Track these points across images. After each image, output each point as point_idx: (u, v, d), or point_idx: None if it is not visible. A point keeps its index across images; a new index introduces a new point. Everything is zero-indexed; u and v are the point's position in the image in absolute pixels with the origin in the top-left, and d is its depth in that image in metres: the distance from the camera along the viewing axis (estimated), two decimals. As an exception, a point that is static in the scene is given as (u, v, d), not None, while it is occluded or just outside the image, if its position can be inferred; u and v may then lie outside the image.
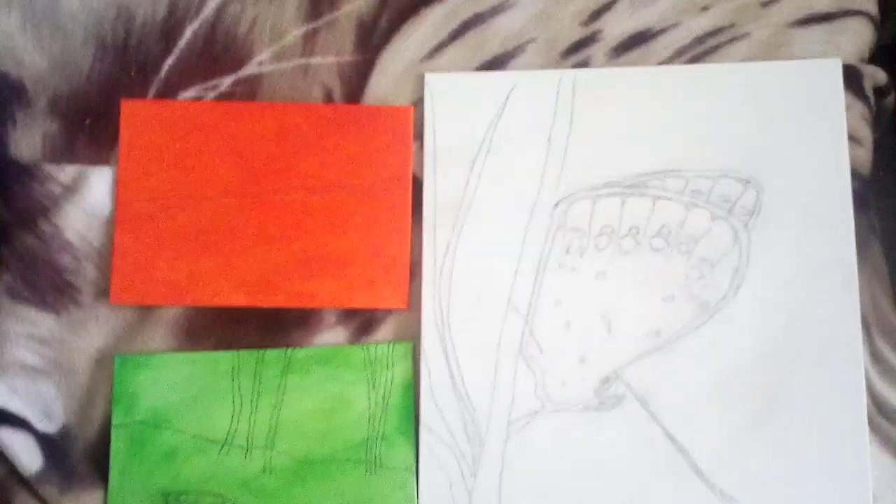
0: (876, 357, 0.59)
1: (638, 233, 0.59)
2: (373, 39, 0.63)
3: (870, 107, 0.60)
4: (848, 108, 0.59)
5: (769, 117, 0.59)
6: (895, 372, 0.59)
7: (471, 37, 0.63)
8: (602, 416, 0.57)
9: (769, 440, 0.57)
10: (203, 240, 0.60)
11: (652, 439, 0.57)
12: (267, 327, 0.60)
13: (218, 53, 0.63)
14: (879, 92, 0.61)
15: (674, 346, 0.58)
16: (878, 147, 0.61)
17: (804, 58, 0.60)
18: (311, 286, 0.60)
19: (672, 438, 0.57)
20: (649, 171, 0.59)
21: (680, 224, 0.59)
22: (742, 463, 0.56)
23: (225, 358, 0.60)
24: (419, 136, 0.61)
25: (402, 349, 0.59)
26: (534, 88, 0.61)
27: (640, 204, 0.59)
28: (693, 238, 0.59)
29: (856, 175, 0.59)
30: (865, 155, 0.60)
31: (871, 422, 0.57)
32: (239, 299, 0.60)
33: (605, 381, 0.58)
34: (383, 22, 0.63)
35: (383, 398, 0.59)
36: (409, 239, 0.60)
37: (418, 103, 0.62)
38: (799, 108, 0.59)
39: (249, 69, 0.63)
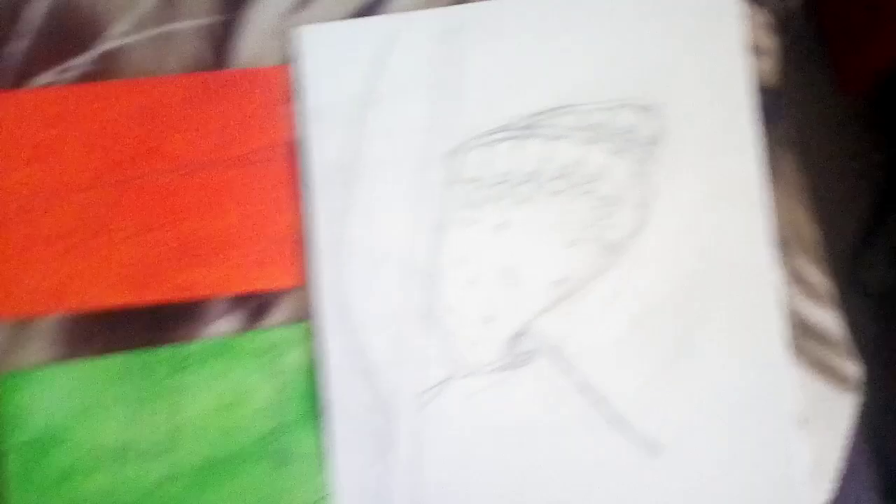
0: (796, 276, 0.58)
1: (536, 177, 0.57)
2: (234, -3, 0.60)
3: (773, 11, 0.59)
4: (748, 17, 0.58)
5: (664, 38, 0.57)
6: (814, 288, 0.58)
7: (340, -18, 0.60)
8: (516, 374, 0.56)
9: (690, 378, 0.56)
10: (74, 238, 0.58)
11: (569, 392, 0.56)
12: (154, 324, 0.58)
13: (69, 30, 0.60)
14: (782, -6, 0.59)
15: (583, 293, 0.56)
16: (787, 51, 0.59)
17: (697, -33, 0.58)
18: (196, 275, 0.58)
19: (590, 388, 0.56)
20: (544, 109, 0.58)
21: (578, 163, 0.57)
22: (665, 405, 0.56)
23: (114, 363, 0.58)
24: (296, 97, 0.59)
25: (300, 330, 0.58)
26: (416, 32, 0.59)
27: (537, 145, 0.57)
28: (593, 176, 0.57)
29: (761, 88, 0.58)
30: (771, 65, 0.58)
31: (796, 344, 0.57)
32: (120, 298, 0.58)
33: (516, 337, 0.56)
34: (244, -24, 0.60)
35: (286, 385, 0.57)
36: (296, 209, 0.58)
37: (290, 61, 0.59)
38: (694, 24, 0.57)
39: (107, 44, 0.60)
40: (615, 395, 0.56)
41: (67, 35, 0.60)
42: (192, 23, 0.60)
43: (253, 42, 0.60)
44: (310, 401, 0.57)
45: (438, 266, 0.57)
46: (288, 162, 0.58)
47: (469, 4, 0.59)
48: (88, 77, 0.60)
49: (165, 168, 0.58)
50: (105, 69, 0.60)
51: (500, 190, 0.57)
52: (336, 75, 0.59)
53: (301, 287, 0.58)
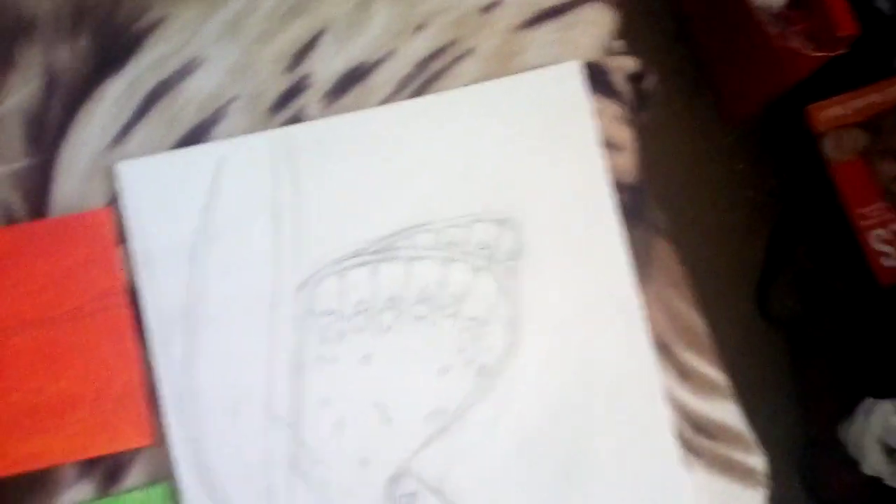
0: (683, 373, 0.56)
1: (397, 303, 0.54)
2: (46, 135, 0.56)
3: (624, 103, 0.56)
4: (599, 112, 0.55)
5: (513, 143, 0.55)
6: (705, 382, 0.56)
7: (160, 109, 0.56)
8: (398, 521, 0.53)
9: (582, 499, 0.53)
10: None
11: (457, 535, 0.53)
12: (0, 500, 0.54)
13: None
14: (635, 79, 0.57)
15: (461, 423, 0.54)
16: (647, 137, 0.57)
17: (540, 64, 0.56)
18: (38, 443, 0.53)
19: (478, 528, 0.53)
20: (396, 230, 0.55)
21: (440, 284, 0.54)
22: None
23: (-47, 554, 0.53)
24: (125, 239, 0.55)
25: (158, 493, 0.54)
26: (245, 157, 0.55)
27: (393, 269, 0.54)
28: (457, 297, 0.54)
29: (621, 185, 0.55)
30: (629, 158, 0.56)
31: (690, 444, 0.55)
32: (-47, 481, 0.53)
33: (394, 479, 0.53)
34: (54, 111, 0.56)
35: (147, 558, 0.53)
36: (139, 361, 0.54)
37: (115, 201, 0.55)
38: (542, 126, 0.55)
39: None
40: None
41: None
42: (3, 169, 0.55)
43: (73, 184, 0.55)
44: (175, 575, 0.53)
45: (300, 410, 0.54)
46: (126, 310, 0.54)
47: (301, 124, 0.55)
48: None
49: (-12, 333, 0.54)
50: None
51: (360, 321, 0.54)
52: (166, 212, 0.55)
53: (154, 444, 0.54)
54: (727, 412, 0.56)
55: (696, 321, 0.57)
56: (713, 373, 0.57)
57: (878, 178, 0.98)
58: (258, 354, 0.54)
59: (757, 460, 0.56)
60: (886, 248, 0.97)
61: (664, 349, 0.55)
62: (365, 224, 0.55)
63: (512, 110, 0.55)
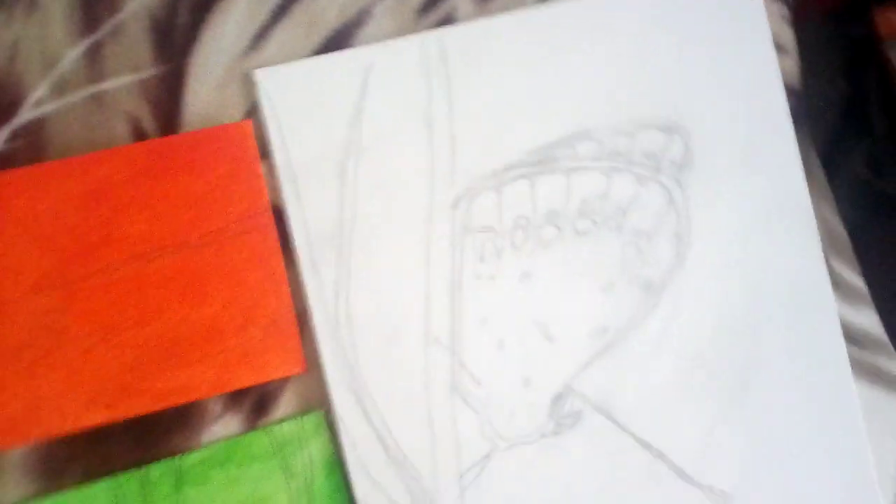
0: (835, 282, 0.55)
1: (558, 217, 0.52)
2: (175, 40, 0.51)
3: (788, 3, 0.54)
4: (767, 13, 0.53)
5: (683, 46, 0.52)
6: (854, 291, 0.56)
7: (299, 11, 0.52)
8: (564, 439, 0.52)
9: (751, 419, 0.53)
10: (28, 355, 0.50)
11: (624, 451, 0.53)
12: (142, 437, 0.52)
13: (-28, 103, 0.51)
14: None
15: (626, 341, 0.53)
16: (802, 45, 0.55)
17: (708, -40, 0.53)
18: (181, 376, 0.51)
19: (646, 445, 0.52)
20: (555, 140, 0.52)
21: (603, 196, 0.52)
22: (727, 451, 0.53)
23: (101, 489, 0.51)
24: (267, 154, 0.51)
25: (313, 421, 0.52)
26: (395, 63, 0.52)
27: (553, 182, 0.52)
28: (621, 209, 0.52)
29: (788, 90, 0.53)
30: (792, 62, 0.54)
31: (845, 355, 0.55)
32: (96, 416, 0.50)
33: (558, 398, 0.52)
34: (183, 14, 0.52)
35: (306, 485, 0.52)
36: (288, 285, 0.51)
37: (254, 111, 0.51)
38: (713, 27, 0.52)
39: (26, 114, 0.51)
40: (674, 450, 0.52)
41: (-28, 107, 0.50)
42: (128, 78, 0.51)
43: (206, 94, 0.51)
44: (337, 500, 0.52)
45: (460, 331, 0.52)
46: (272, 231, 0.51)
47: (453, 26, 0.52)
48: (10, 156, 0.51)
49: (125, 257, 0.51)
50: (29, 144, 0.51)
51: (519, 236, 0.52)
52: (311, 123, 0.51)
53: (306, 372, 0.52)
54: (870, 320, 0.56)
55: (840, 229, 0.56)
56: (857, 280, 0.56)
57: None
58: (414, 275, 0.52)
59: (901, 367, 0.56)
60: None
61: (822, 259, 0.54)
62: (522, 133, 0.52)
63: (680, 9, 0.52)
